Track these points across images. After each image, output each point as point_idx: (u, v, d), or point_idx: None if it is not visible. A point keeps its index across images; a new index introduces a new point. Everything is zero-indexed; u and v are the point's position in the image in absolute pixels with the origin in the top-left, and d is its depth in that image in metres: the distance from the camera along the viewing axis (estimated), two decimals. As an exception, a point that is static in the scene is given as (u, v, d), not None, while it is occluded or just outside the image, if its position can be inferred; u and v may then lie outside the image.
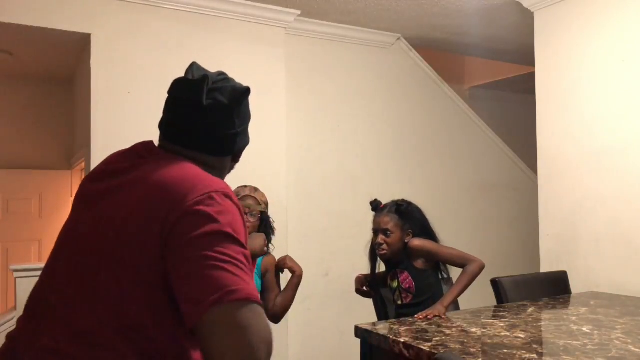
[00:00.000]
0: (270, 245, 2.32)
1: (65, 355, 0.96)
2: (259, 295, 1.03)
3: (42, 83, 4.57)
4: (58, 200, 4.64)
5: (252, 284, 0.95)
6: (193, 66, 1.22)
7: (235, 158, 1.25)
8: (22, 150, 4.55)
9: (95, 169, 1.19)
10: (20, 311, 2.96)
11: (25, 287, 3.00)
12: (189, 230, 0.96)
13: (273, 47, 3.51)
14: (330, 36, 3.82)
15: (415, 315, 2.13)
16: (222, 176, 1.20)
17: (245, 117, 1.23)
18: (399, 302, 2.33)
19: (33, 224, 4.58)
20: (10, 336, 1.07)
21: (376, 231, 2.36)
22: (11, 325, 2.95)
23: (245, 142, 1.25)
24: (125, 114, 2.98)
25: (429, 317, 2.11)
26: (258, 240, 2.03)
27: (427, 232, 2.35)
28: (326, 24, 3.74)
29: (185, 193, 0.99)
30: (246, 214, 2.26)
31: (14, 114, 4.53)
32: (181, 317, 0.94)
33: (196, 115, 1.14)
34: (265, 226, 2.32)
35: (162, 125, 1.19)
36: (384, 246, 2.30)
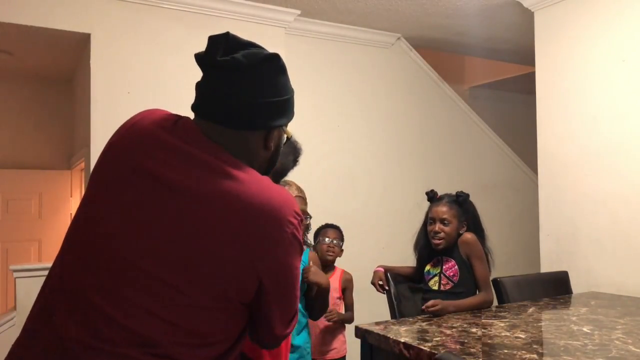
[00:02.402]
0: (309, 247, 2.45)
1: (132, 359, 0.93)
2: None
3: (42, 83, 4.57)
4: (58, 201, 4.64)
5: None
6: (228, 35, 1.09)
7: (266, 140, 1.10)
8: (22, 150, 4.55)
9: (137, 139, 1.06)
10: (20, 310, 2.95)
11: (25, 287, 2.99)
12: (283, 259, 1.02)
13: (273, 47, 3.45)
14: (330, 36, 3.82)
15: (425, 305, 2.19)
16: (252, 163, 1.08)
17: (275, 89, 1.09)
18: (435, 288, 2.36)
19: (33, 224, 4.58)
20: (58, 335, 0.95)
21: (433, 220, 2.39)
22: (11, 326, 2.95)
23: (274, 120, 1.09)
24: (125, 113, 2.95)
25: (433, 306, 2.15)
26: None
27: (479, 227, 2.42)
28: (326, 24, 3.74)
29: (275, 220, 1.00)
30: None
31: (14, 114, 4.52)
32: (246, 327, 1.07)
33: (211, 75, 1.08)
34: (307, 226, 2.43)
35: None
36: (441, 234, 2.34)
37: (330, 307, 2.79)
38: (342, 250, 3.03)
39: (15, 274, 3.05)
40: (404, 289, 2.50)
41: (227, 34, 1.07)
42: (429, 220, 2.43)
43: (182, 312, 0.95)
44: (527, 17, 3.40)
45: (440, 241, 2.35)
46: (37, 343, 0.96)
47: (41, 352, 0.94)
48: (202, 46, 3.50)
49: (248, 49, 1.07)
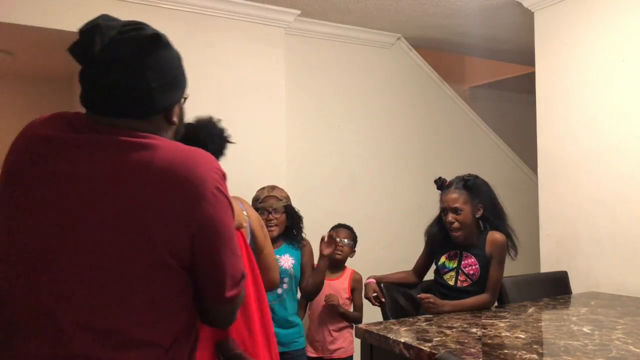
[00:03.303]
0: (303, 233, 2.63)
1: (97, 358, 0.93)
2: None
3: (42, 83, 4.57)
4: (58, 200, 4.62)
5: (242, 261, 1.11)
6: (99, 20, 1.02)
7: (168, 118, 1.08)
8: (22, 150, 4.54)
9: (29, 145, 1.04)
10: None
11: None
12: (210, 213, 0.99)
13: (273, 47, 3.51)
14: (330, 36, 3.82)
15: (420, 295, 2.21)
16: None
17: (165, 69, 1.05)
18: (451, 283, 2.28)
19: (33, 224, 4.56)
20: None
21: (445, 210, 2.28)
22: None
23: (173, 98, 1.08)
24: (125, 114, 2.98)
25: (428, 300, 2.16)
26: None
27: (495, 205, 2.30)
28: (326, 24, 3.74)
29: (194, 175, 0.98)
30: (270, 212, 2.48)
31: (14, 114, 4.52)
32: (193, 292, 1.05)
33: (91, 69, 1.02)
34: (292, 218, 2.57)
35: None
36: (456, 224, 2.23)
37: (340, 304, 2.90)
38: (353, 251, 3.07)
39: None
40: (398, 298, 2.45)
41: (98, 22, 1.00)
42: (441, 210, 2.32)
43: (128, 290, 0.95)
44: (527, 17, 3.40)
45: (459, 233, 2.24)
46: None
47: None
48: (202, 46, 3.51)
49: (124, 33, 1.00)
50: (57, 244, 0.95)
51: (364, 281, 2.63)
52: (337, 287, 2.95)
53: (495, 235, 2.26)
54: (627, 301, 2.51)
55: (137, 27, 1.03)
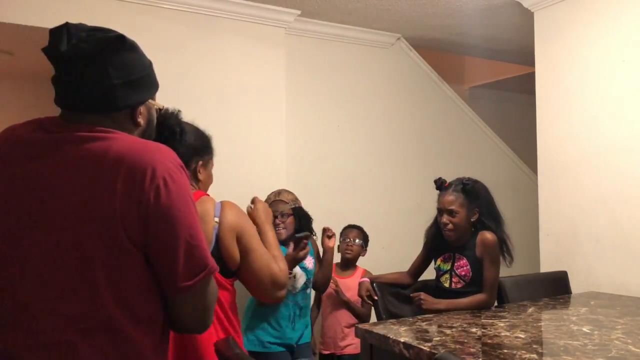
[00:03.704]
0: (313, 233, 2.70)
1: (67, 343, 0.98)
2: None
3: (42, 83, 4.55)
4: (58, 200, 4.63)
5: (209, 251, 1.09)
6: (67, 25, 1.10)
7: (132, 118, 1.14)
8: (22, 150, 4.54)
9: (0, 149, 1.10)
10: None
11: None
12: (164, 201, 1.02)
13: (273, 47, 3.51)
14: (330, 36, 3.82)
15: (413, 294, 2.23)
16: None
17: (128, 68, 1.11)
18: (446, 285, 2.31)
19: (33, 224, 4.57)
20: None
21: (441, 211, 2.31)
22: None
23: (136, 97, 1.13)
24: (125, 114, 2.98)
25: (419, 297, 2.20)
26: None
27: (492, 211, 2.32)
28: (326, 24, 3.74)
29: (149, 163, 1.02)
30: (276, 217, 2.54)
31: (14, 113, 4.52)
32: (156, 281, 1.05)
33: (61, 68, 1.09)
34: (300, 219, 2.63)
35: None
36: (450, 226, 2.27)
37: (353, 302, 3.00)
38: (363, 249, 3.18)
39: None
40: (391, 297, 2.46)
41: (67, 23, 1.08)
42: (438, 210, 2.35)
43: (92, 276, 0.99)
44: (527, 17, 3.40)
45: (451, 233, 2.27)
46: None
47: None
48: (202, 46, 3.52)
49: (91, 34, 1.08)
50: (26, 237, 1.01)
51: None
52: (349, 285, 3.02)
53: (484, 235, 2.27)
54: (627, 301, 2.51)
55: (104, 30, 1.11)
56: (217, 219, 1.52)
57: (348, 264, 3.12)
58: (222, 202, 1.57)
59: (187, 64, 3.20)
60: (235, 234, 1.52)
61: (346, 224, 3.24)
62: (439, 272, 2.36)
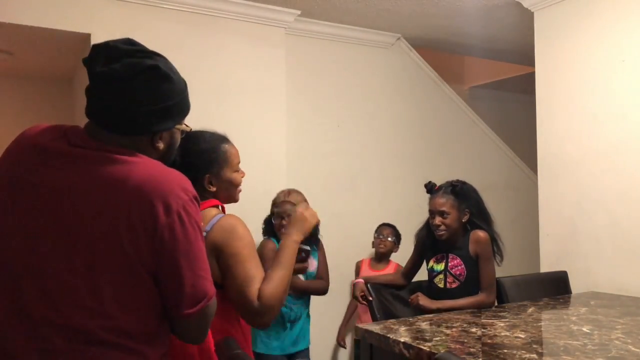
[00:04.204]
0: (319, 235, 2.73)
1: (74, 352, 1.03)
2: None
3: (42, 83, 4.57)
4: (58, 200, 4.62)
5: (211, 279, 1.15)
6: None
7: (152, 142, 1.18)
8: (22, 150, 4.54)
9: (22, 152, 1.15)
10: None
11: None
12: (174, 230, 1.07)
13: (273, 47, 3.51)
14: (330, 36, 3.82)
15: (411, 297, 2.25)
16: None
17: (157, 97, 1.14)
18: (441, 286, 2.33)
19: (33, 224, 4.56)
20: None
21: (432, 213, 2.36)
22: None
23: (160, 126, 1.17)
24: (125, 114, 2.97)
25: (414, 300, 2.23)
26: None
27: (482, 211, 2.38)
28: (326, 24, 3.74)
29: (160, 193, 1.07)
30: (283, 218, 2.56)
31: (13, 113, 4.52)
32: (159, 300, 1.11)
33: (93, 84, 1.13)
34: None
35: None
36: (442, 227, 2.32)
37: None
38: (396, 246, 3.44)
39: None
40: (386, 298, 2.47)
41: (108, 43, 1.12)
42: (429, 213, 2.39)
43: (98, 294, 1.04)
44: (527, 17, 3.40)
45: (443, 233, 2.32)
46: None
47: None
48: (202, 46, 3.53)
49: (129, 58, 1.11)
50: (38, 249, 1.05)
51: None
52: None
53: (477, 234, 2.32)
54: (626, 301, 2.51)
55: (143, 56, 1.13)
56: (205, 232, 1.49)
57: (381, 258, 3.45)
58: (222, 216, 1.53)
59: (187, 64, 3.17)
60: (214, 252, 1.47)
61: (349, 223, 3.35)
62: (432, 273, 2.39)
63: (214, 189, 1.63)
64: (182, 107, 1.22)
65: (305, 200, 2.73)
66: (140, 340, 1.08)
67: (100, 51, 1.11)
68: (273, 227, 2.69)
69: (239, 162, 1.71)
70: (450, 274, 2.31)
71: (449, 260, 2.34)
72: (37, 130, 1.17)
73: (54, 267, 1.04)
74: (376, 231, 3.50)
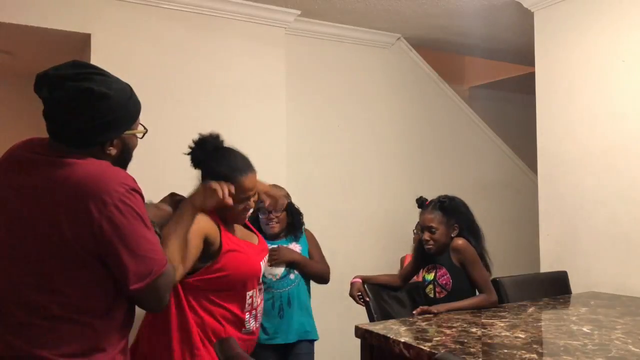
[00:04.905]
0: (303, 227, 2.71)
1: (36, 326, 1.24)
2: None
3: (42, 83, 4.56)
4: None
5: (161, 251, 1.36)
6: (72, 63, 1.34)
7: (102, 150, 1.36)
8: (22, 150, 4.54)
9: (3, 161, 1.38)
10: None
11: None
12: (113, 218, 1.25)
13: (273, 47, 3.51)
14: (330, 36, 3.82)
15: (421, 308, 2.22)
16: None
17: (97, 114, 1.31)
18: (431, 296, 2.36)
19: (33, 224, 4.56)
20: None
21: (422, 228, 2.42)
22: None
23: (104, 136, 1.35)
24: (125, 114, 2.97)
25: (422, 311, 2.19)
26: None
27: (472, 226, 2.40)
28: (326, 24, 3.74)
29: (99, 187, 1.26)
30: (270, 212, 2.58)
31: (14, 114, 4.52)
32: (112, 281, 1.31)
33: (44, 108, 1.33)
34: (292, 214, 2.66)
35: None
36: (430, 242, 2.36)
37: None
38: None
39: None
40: (383, 298, 2.48)
41: (48, 71, 1.30)
42: (420, 228, 2.45)
43: (51, 276, 1.25)
44: (527, 17, 3.40)
45: (431, 246, 2.37)
46: None
47: None
48: (202, 46, 3.52)
49: (70, 82, 1.28)
50: (5, 241, 1.29)
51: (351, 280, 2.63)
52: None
53: (455, 243, 2.33)
54: (627, 301, 2.51)
55: (83, 78, 1.30)
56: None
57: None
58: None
59: (187, 64, 3.20)
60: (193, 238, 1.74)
61: (346, 224, 3.27)
62: (425, 283, 2.43)
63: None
64: (125, 117, 1.38)
65: (288, 196, 2.71)
66: (91, 314, 1.28)
67: (43, 80, 1.30)
68: (259, 224, 2.67)
69: (251, 194, 1.89)
70: (438, 284, 2.36)
71: (437, 270, 2.38)
72: (18, 143, 1.39)
73: (12, 254, 1.27)
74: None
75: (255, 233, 2.12)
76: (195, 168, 1.90)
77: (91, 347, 1.28)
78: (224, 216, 1.89)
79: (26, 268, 1.26)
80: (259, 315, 1.98)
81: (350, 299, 2.56)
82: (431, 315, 2.18)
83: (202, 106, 3.24)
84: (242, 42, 3.40)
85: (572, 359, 1.58)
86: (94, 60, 2.98)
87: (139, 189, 1.33)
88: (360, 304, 2.49)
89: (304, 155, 3.72)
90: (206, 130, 3.22)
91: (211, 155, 1.86)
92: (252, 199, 1.91)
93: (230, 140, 3.55)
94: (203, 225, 1.78)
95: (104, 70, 1.37)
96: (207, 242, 1.79)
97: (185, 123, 3.14)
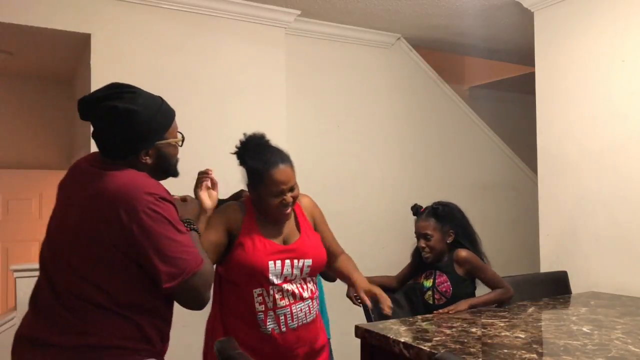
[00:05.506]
0: None
1: (76, 310, 1.42)
2: None
3: (42, 83, 4.57)
4: (58, 200, 4.63)
5: (195, 252, 1.46)
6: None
7: (140, 161, 1.51)
8: (22, 150, 4.55)
9: (70, 172, 1.57)
10: (20, 310, 2.96)
11: (26, 287, 3.00)
12: (142, 223, 1.39)
13: (273, 47, 3.51)
14: (330, 36, 3.82)
15: (439, 311, 2.21)
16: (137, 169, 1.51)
17: (125, 129, 1.46)
18: (430, 302, 2.36)
19: (33, 224, 4.58)
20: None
21: (417, 235, 2.42)
22: (11, 325, 2.95)
23: (135, 148, 1.50)
24: (125, 114, 2.97)
25: (450, 312, 2.19)
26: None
27: (467, 232, 2.40)
28: (326, 24, 3.74)
29: (129, 197, 1.40)
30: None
31: (14, 114, 4.52)
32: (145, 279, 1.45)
33: (91, 127, 1.53)
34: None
35: None
36: (426, 249, 2.37)
37: None
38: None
39: (16, 274, 3.05)
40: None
41: (83, 98, 1.50)
42: (415, 235, 2.45)
43: (91, 271, 1.41)
44: (527, 17, 3.40)
45: (428, 255, 2.37)
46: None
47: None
48: (202, 46, 3.52)
49: (104, 102, 1.46)
50: (60, 240, 1.48)
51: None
52: None
53: (459, 255, 2.34)
54: (627, 301, 2.51)
55: (113, 97, 1.47)
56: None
57: None
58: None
59: (187, 64, 3.20)
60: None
61: (346, 224, 3.24)
62: (423, 290, 2.42)
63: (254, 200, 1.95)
64: (153, 128, 1.50)
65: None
66: (128, 308, 1.43)
67: (81, 104, 1.49)
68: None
69: (284, 187, 1.88)
70: (437, 290, 2.35)
71: (437, 277, 2.37)
72: (87, 155, 1.60)
73: (66, 256, 1.44)
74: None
75: (301, 232, 2.01)
76: (240, 166, 1.96)
77: (134, 338, 1.44)
78: (265, 213, 1.91)
79: (73, 267, 1.43)
80: (285, 318, 1.87)
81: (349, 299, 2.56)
82: (431, 315, 2.18)
83: (202, 106, 3.24)
84: (242, 42, 3.40)
85: (572, 359, 1.58)
86: (94, 60, 2.98)
87: (170, 197, 1.46)
88: (357, 305, 2.48)
89: (304, 155, 3.71)
90: (206, 130, 3.24)
91: (249, 152, 1.91)
92: (288, 194, 1.89)
93: (230, 140, 3.55)
94: (225, 219, 1.89)
95: (137, 88, 1.51)
96: (230, 233, 1.89)
97: (185, 123, 3.13)
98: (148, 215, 1.38)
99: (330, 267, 2.14)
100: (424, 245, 2.36)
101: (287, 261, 1.89)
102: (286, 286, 1.88)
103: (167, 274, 1.40)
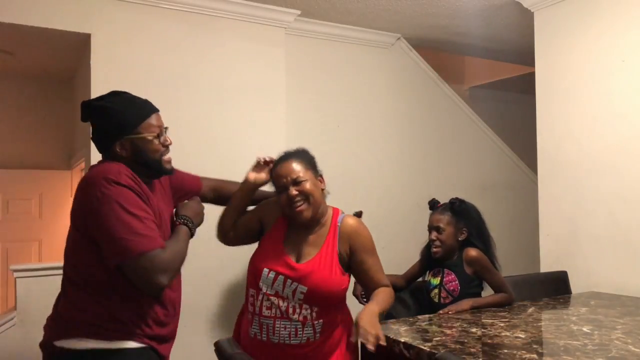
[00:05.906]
0: None
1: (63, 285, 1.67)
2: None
3: (42, 83, 4.57)
4: (58, 200, 4.64)
5: (146, 236, 1.52)
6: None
7: (118, 153, 1.64)
8: (22, 150, 4.55)
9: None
10: (20, 310, 2.95)
11: (25, 287, 2.99)
12: (94, 206, 1.53)
13: (273, 47, 3.51)
14: (330, 36, 3.82)
15: (441, 311, 2.21)
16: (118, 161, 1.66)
17: (99, 125, 1.66)
18: (436, 300, 2.36)
19: (33, 224, 4.58)
20: None
21: (430, 228, 2.41)
22: (11, 325, 2.94)
23: (107, 143, 1.65)
24: (125, 114, 2.97)
25: (451, 311, 2.18)
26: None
27: (481, 231, 2.40)
28: (326, 24, 3.74)
29: (88, 183, 1.58)
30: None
31: (14, 114, 4.52)
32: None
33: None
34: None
35: None
36: (437, 242, 2.36)
37: None
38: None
39: (16, 274, 3.04)
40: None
41: (82, 101, 1.69)
42: (428, 229, 2.44)
43: (69, 251, 1.63)
44: (527, 17, 3.40)
45: (437, 249, 2.36)
46: None
47: None
48: (202, 46, 3.54)
49: (88, 105, 1.67)
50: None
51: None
52: None
53: (469, 254, 2.33)
54: (627, 301, 2.51)
55: (98, 99, 1.67)
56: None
57: None
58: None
59: (187, 64, 3.20)
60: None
61: None
62: (429, 287, 2.42)
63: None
64: (123, 123, 1.63)
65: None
66: (95, 287, 1.57)
67: (81, 107, 1.69)
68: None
69: (285, 181, 1.96)
70: (445, 289, 2.35)
71: (445, 275, 2.36)
72: None
73: (67, 240, 1.66)
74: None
75: (319, 253, 1.91)
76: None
77: (102, 316, 1.56)
78: (285, 214, 1.97)
79: (66, 251, 1.65)
80: (268, 329, 1.83)
81: (352, 297, 2.56)
82: (431, 315, 2.18)
83: (202, 106, 3.24)
84: (242, 42, 3.40)
85: (572, 359, 1.58)
86: (94, 60, 2.98)
87: (126, 182, 1.54)
88: (363, 304, 2.48)
89: (304, 155, 3.72)
90: (206, 130, 3.24)
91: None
92: (292, 187, 1.90)
93: (230, 140, 3.56)
94: (263, 212, 2.02)
95: (126, 92, 1.68)
96: (262, 225, 2.02)
97: (185, 123, 3.14)
98: (97, 198, 1.51)
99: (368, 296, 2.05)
100: (434, 237, 2.35)
101: (281, 277, 1.83)
102: (274, 299, 1.83)
103: (109, 251, 1.51)
